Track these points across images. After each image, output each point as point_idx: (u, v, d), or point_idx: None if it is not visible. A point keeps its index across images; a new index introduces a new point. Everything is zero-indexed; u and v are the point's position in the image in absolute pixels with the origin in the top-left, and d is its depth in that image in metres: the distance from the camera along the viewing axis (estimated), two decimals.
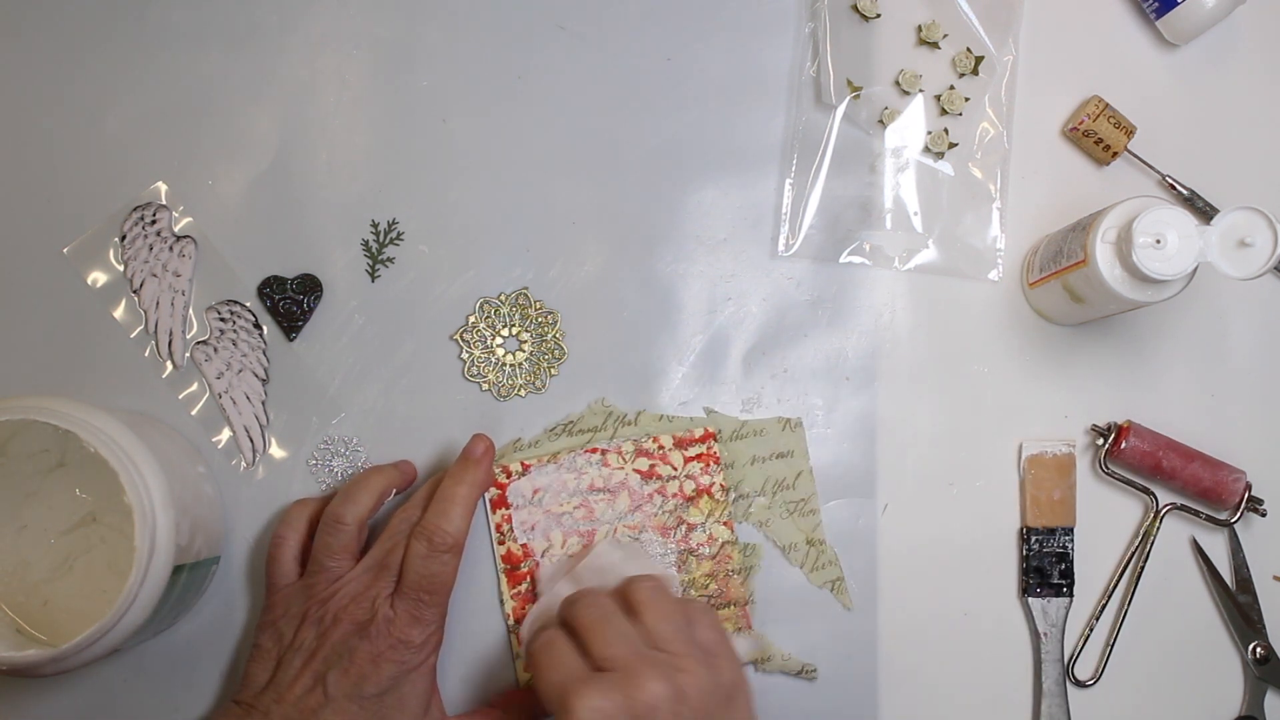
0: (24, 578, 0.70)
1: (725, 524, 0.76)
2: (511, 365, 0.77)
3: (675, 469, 0.76)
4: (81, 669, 0.65)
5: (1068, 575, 0.76)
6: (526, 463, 0.75)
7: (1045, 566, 0.75)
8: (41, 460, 0.71)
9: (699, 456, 0.76)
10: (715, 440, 0.76)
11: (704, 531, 0.76)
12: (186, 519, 0.66)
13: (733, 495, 0.76)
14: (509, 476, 0.75)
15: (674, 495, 0.76)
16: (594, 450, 0.76)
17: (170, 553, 0.64)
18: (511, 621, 0.75)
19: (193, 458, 0.74)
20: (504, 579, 0.75)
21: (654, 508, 0.75)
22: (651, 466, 0.76)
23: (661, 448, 0.76)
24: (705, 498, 0.76)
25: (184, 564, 0.67)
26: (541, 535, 0.75)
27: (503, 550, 0.75)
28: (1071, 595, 0.75)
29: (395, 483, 0.73)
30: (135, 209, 0.76)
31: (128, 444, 0.64)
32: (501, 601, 0.75)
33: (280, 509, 0.75)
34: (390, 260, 0.77)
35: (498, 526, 0.75)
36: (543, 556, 0.75)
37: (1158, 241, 0.66)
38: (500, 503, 0.75)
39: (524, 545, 0.75)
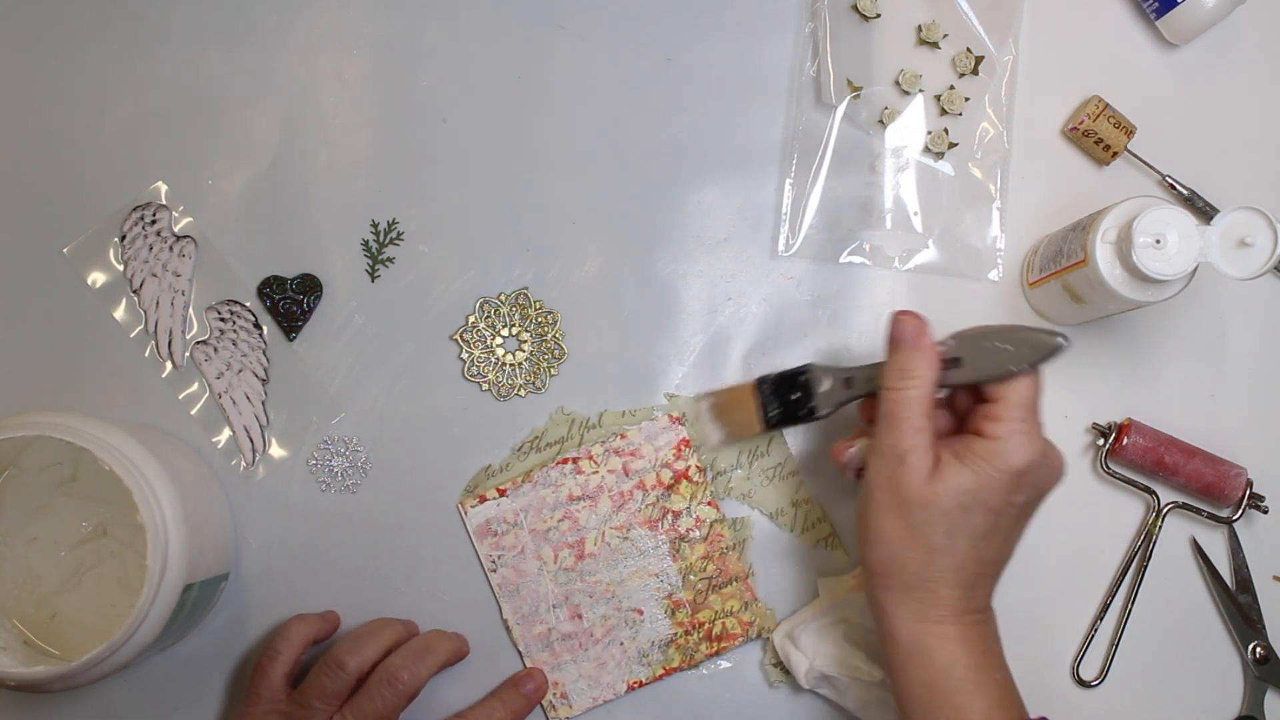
0: (34, 590, 0.70)
1: (710, 504, 0.76)
2: (511, 365, 0.77)
3: (649, 461, 0.76)
4: (89, 684, 0.65)
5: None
6: (502, 488, 0.75)
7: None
8: (53, 473, 0.71)
9: (670, 443, 0.76)
10: (682, 423, 0.76)
11: (690, 516, 0.76)
12: (198, 537, 0.66)
13: (710, 474, 0.76)
14: (483, 503, 0.75)
15: (653, 487, 0.76)
16: (565, 460, 0.75)
17: (182, 572, 0.64)
18: (523, 646, 0.74)
19: (205, 475, 0.73)
20: (505, 606, 0.75)
21: (636, 503, 0.75)
22: (625, 464, 0.76)
23: (631, 443, 0.76)
24: (684, 482, 0.76)
25: (194, 581, 0.66)
26: (533, 555, 0.75)
27: (498, 578, 0.75)
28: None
29: (402, 638, 0.72)
30: (135, 209, 0.76)
31: (142, 462, 0.64)
32: (508, 629, 0.75)
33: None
34: (390, 260, 0.77)
35: (488, 557, 0.75)
36: (540, 574, 0.75)
37: (1158, 241, 0.66)
38: (485, 532, 0.75)
39: (517, 568, 0.75)
